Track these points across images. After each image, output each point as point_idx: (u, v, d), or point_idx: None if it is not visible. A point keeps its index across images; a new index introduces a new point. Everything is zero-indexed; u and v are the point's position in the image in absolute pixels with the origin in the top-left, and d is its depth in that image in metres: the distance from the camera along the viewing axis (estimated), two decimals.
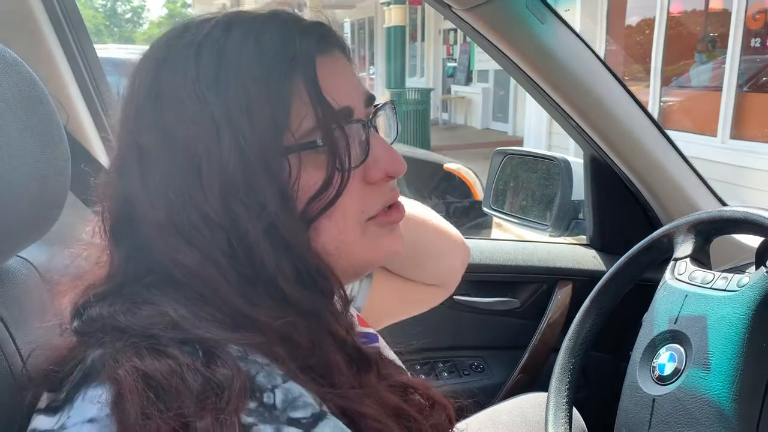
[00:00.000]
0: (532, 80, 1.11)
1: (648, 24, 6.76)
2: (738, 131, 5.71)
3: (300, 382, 0.47)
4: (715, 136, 5.83)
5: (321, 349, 0.51)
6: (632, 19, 7.27)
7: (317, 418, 0.46)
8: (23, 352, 0.57)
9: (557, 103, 1.14)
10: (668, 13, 6.43)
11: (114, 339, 0.47)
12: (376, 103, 0.61)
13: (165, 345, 0.46)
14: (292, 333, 0.50)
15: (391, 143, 0.62)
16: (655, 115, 6.42)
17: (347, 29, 12.66)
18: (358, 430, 0.49)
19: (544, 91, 1.13)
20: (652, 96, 6.56)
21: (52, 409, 0.47)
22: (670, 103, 6.69)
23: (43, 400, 0.49)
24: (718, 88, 5.83)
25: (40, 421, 0.47)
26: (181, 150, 0.51)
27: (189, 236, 0.51)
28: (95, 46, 1.30)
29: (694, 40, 6.40)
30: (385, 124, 0.64)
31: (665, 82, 6.58)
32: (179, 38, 0.54)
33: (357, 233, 0.57)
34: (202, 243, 0.51)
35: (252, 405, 0.44)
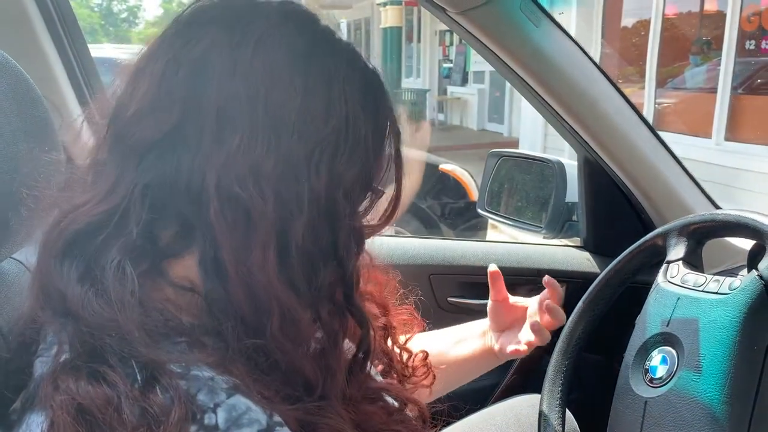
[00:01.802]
0: (527, 83, 1.12)
1: (643, 26, 6.77)
2: (732, 133, 5.73)
3: (247, 395, 0.46)
4: (710, 138, 5.85)
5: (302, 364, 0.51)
6: (627, 21, 7.29)
7: None
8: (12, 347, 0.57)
9: (551, 106, 1.14)
10: (663, 15, 6.45)
11: (59, 340, 0.46)
12: None
13: (105, 363, 0.44)
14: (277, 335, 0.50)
15: None
16: (650, 117, 6.44)
17: (343, 30, 12.64)
18: None
19: (538, 94, 1.13)
20: (647, 98, 6.58)
21: (6, 426, 0.47)
22: (665, 104, 6.71)
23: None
24: (713, 90, 5.85)
25: None
26: (293, 125, 0.51)
27: (279, 193, 0.50)
28: (90, 45, 1.30)
29: (689, 42, 6.42)
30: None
31: (660, 83, 6.60)
32: (325, 42, 0.56)
33: None
34: (285, 205, 0.50)
35: (192, 428, 0.42)
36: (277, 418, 0.46)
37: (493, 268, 0.97)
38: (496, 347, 0.95)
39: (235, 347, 0.48)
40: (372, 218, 0.60)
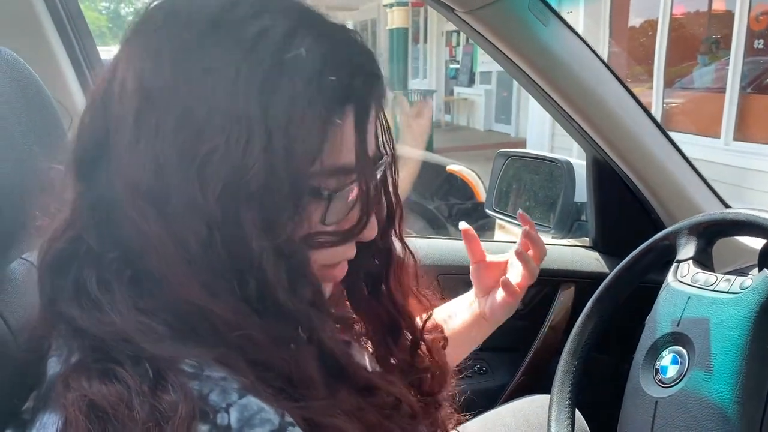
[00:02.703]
0: (535, 82, 1.11)
1: (651, 25, 6.75)
2: (741, 133, 5.70)
3: (259, 395, 0.46)
4: (719, 138, 5.82)
5: (296, 359, 0.49)
6: (635, 21, 7.27)
7: None
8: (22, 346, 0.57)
9: (559, 105, 1.14)
10: (671, 14, 6.43)
11: (69, 342, 0.47)
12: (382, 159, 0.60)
13: (116, 362, 0.44)
14: (258, 342, 0.48)
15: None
16: (658, 117, 6.41)
17: None
18: None
19: (547, 94, 1.13)
20: (655, 97, 6.56)
21: (20, 425, 0.47)
22: (673, 104, 6.68)
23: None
24: (722, 90, 5.82)
25: None
26: (201, 126, 0.46)
27: (163, 207, 0.47)
28: (99, 48, 1.30)
29: (698, 41, 6.40)
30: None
31: (668, 83, 6.58)
32: (230, 12, 0.49)
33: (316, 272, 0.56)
34: (174, 219, 0.47)
35: (205, 428, 0.42)
36: (288, 419, 0.46)
37: (463, 226, 0.95)
38: (487, 311, 0.93)
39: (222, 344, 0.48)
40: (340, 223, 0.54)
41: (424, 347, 0.72)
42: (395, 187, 0.64)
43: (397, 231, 0.67)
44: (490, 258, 0.96)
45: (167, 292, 0.48)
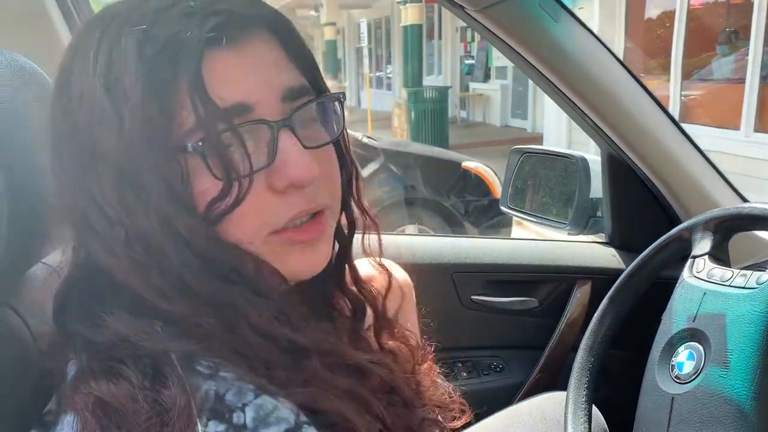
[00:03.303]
0: (548, 79, 1.11)
1: (668, 17, 6.68)
2: (762, 124, 5.62)
3: (270, 393, 0.46)
4: (738, 130, 5.75)
5: (248, 343, 0.48)
6: (652, 12, 7.20)
7: None
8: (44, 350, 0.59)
9: (573, 102, 1.14)
10: (689, 5, 6.35)
11: (80, 353, 0.48)
12: (311, 97, 0.55)
13: (119, 362, 0.46)
14: (213, 329, 0.48)
15: (321, 145, 0.55)
16: (676, 110, 6.35)
17: (363, 29, 12.66)
18: (322, 421, 0.47)
19: (560, 90, 1.13)
20: (673, 90, 6.49)
21: (45, 424, 0.49)
22: (692, 96, 6.60)
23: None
24: (741, 81, 5.74)
25: None
26: (81, 138, 0.50)
27: (93, 227, 0.50)
28: None
29: (715, 32, 6.31)
30: (320, 120, 0.57)
31: (686, 75, 6.50)
32: (91, 25, 0.53)
33: (257, 246, 0.53)
34: (103, 235, 0.50)
35: (221, 428, 0.43)
36: (303, 417, 0.46)
37: None
38: None
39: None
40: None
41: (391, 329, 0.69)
42: (346, 147, 0.61)
43: (354, 195, 0.63)
44: None
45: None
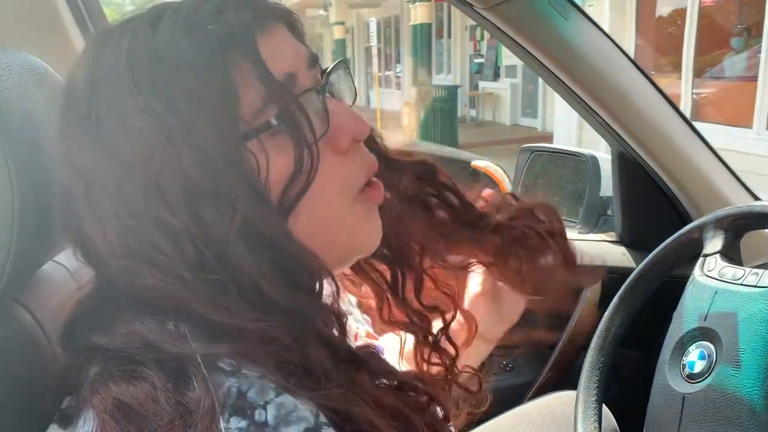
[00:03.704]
0: (557, 77, 1.11)
1: (679, 14, 6.63)
2: None
3: (291, 392, 0.46)
4: (751, 128, 5.70)
5: (305, 349, 0.49)
6: (663, 10, 7.15)
7: None
8: (57, 350, 0.59)
9: (583, 100, 1.13)
10: (700, 2, 6.31)
11: (95, 360, 0.47)
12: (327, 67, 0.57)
13: (140, 364, 0.45)
14: (274, 336, 0.48)
15: (352, 105, 0.58)
16: (688, 108, 6.30)
17: (373, 28, 12.68)
18: (351, 429, 0.47)
19: (570, 88, 1.12)
20: (684, 88, 6.44)
21: (65, 419, 0.49)
22: (703, 95, 6.56)
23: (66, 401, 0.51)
24: (753, 79, 5.69)
25: (53, 430, 0.49)
26: (134, 169, 0.48)
27: (149, 257, 0.48)
28: None
29: (727, 30, 6.27)
30: (340, 86, 0.59)
31: (698, 73, 6.45)
32: (104, 48, 0.51)
33: (347, 208, 0.54)
34: (163, 261, 0.48)
35: (242, 424, 0.43)
36: (322, 418, 0.46)
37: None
38: None
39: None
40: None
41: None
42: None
43: None
44: None
45: (175, 305, 0.49)
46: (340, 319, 0.53)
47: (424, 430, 0.52)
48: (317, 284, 0.52)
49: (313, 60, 0.55)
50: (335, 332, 0.52)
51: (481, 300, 0.85)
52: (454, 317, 0.75)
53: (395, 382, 0.55)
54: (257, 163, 0.49)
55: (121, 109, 0.48)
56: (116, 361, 0.46)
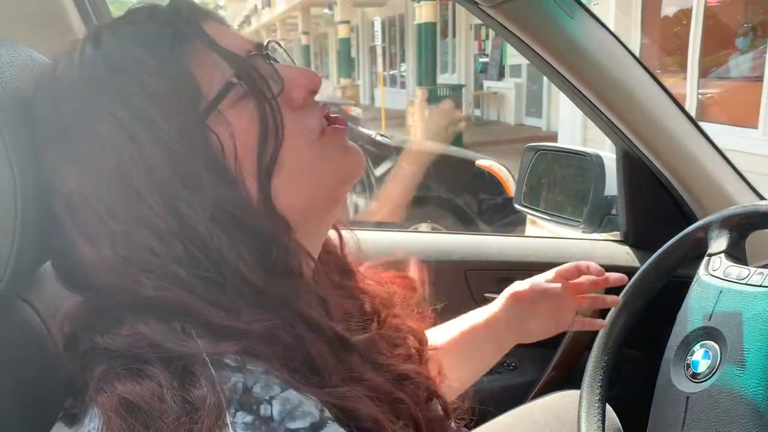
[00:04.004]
0: (562, 76, 1.10)
1: (685, 14, 6.61)
2: None
3: (296, 388, 0.47)
4: (757, 128, 5.68)
5: (302, 340, 0.50)
6: (668, 9, 7.13)
7: (316, 427, 0.45)
8: (59, 346, 0.59)
9: (588, 99, 1.13)
10: (706, 1, 6.29)
11: (99, 361, 0.47)
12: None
13: (145, 363, 0.46)
14: (274, 333, 0.49)
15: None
16: (693, 108, 6.28)
17: (377, 27, 12.67)
18: (356, 426, 0.48)
19: (575, 86, 1.12)
20: (690, 88, 6.42)
21: (71, 417, 0.49)
22: (709, 95, 6.53)
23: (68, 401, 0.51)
24: (759, 79, 5.67)
25: (58, 428, 0.50)
26: (109, 177, 0.49)
27: (143, 263, 0.49)
28: None
29: (733, 30, 6.24)
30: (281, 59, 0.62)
31: (703, 73, 6.43)
32: (57, 67, 0.53)
33: (315, 153, 0.56)
34: (158, 264, 0.49)
35: (248, 418, 0.44)
36: (327, 414, 0.47)
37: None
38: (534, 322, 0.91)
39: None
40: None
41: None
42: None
43: None
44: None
45: (175, 307, 0.49)
46: (325, 301, 0.55)
47: (419, 415, 0.53)
48: (298, 265, 0.53)
49: (258, 45, 0.58)
50: (320, 317, 0.53)
51: (512, 306, 0.90)
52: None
53: (395, 374, 0.56)
54: (221, 142, 0.51)
55: (84, 120, 0.50)
56: (122, 361, 0.46)
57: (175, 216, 0.49)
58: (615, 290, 1.01)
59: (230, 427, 0.43)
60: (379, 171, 4.31)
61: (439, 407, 0.60)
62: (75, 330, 0.52)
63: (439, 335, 0.89)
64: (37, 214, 0.53)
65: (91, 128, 0.50)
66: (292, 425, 0.44)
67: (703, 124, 1.16)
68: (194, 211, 0.49)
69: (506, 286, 1.31)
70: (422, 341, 0.70)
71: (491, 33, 12.50)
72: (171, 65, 0.51)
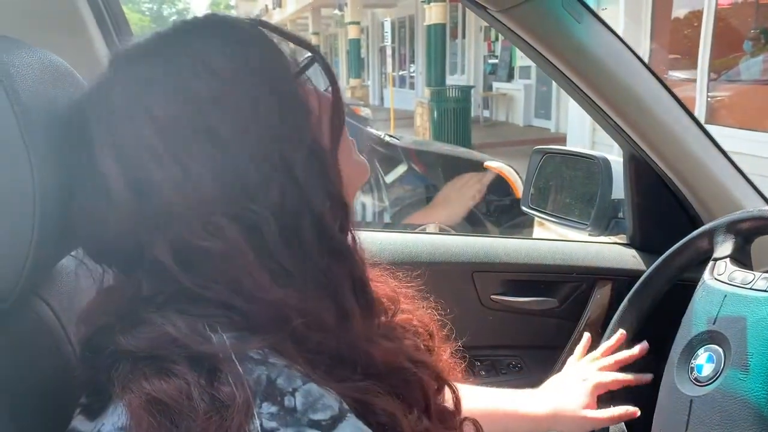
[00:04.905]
0: (570, 80, 1.11)
1: (695, 16, 6.58)
2: None
3: (317, 382, 0.48)
4: (766, 132, 5.65)
5: (342, 295, 0.53)
6: (679, 12, 7.10)
7: (336, 419, 0.47)
8: (74, 344, 0.60)
9: (595, 102, 1.13)
10: (716, 5, 6.26)
11: (123, 361, 0.48)
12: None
13: (171, 362, 0.46)
14: (306, 335, 0.50)
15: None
16: (703, 111, 6.25)
17: (387, 28, 12.67)
18: (371, 420, 0.50)
19: (582, 91, 1.12)
20: (699, 91, 6.39)
21: (91, 411, 0.50)
22: (719, 98, 6.50)
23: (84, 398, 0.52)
24: None
25: (79, 421, 0.50)
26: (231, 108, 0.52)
27: (231, 200, 0.51)
28: None
29: (744, 32, 6.21)
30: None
31: (713, 76, 6.40)
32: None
33: (352, 148, 0.63)
34: (241, 207, 0.50)
35: (273, 409, 0.45)
36: (345, 406, 0.48)
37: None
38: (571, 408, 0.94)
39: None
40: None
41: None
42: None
43: None
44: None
45: (223, 294, 0.50)
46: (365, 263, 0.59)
47: (429, 395, 0.56)
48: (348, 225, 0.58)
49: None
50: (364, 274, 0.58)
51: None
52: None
53: (409, 357, 0.58)
54: (308, 104, 0.56)
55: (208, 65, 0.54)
56: (147, 360, 0.47)
57: (278, 153, 0.52)
58: (621, 293, 1.02)
59: (256, 417, 0.44)
60: (387, 172, 4.31)
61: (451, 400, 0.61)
62: (95, 330, 0.53)
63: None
64: (56, 213, 0.54)
65: (216, 74, 0.52)
66: (315, 416, 0.46)
67: (712, 128, 1.16)
68: (295, 150, 0.53)
69: (513, 288, 1.32)
70: (432, 336, 0.71)
71: (500, 35, 12.47)
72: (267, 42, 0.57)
